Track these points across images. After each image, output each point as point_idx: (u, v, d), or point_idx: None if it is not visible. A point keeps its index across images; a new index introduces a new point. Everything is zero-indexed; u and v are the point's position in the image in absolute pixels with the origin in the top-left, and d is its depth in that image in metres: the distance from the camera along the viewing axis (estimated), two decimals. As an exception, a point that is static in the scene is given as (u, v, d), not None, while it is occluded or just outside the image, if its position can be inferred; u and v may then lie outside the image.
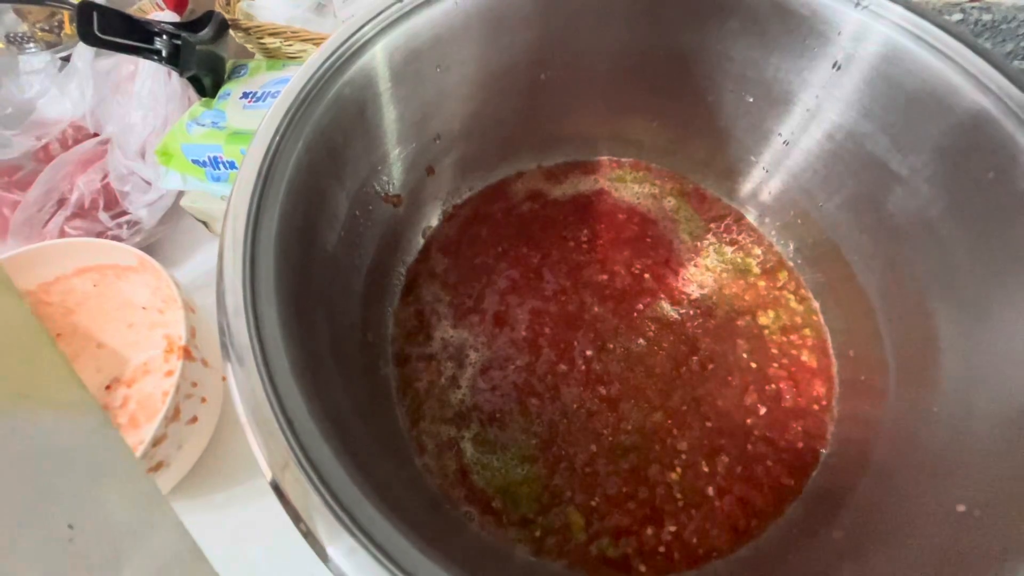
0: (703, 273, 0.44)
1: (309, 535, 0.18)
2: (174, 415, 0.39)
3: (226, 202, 0.24)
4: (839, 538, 0.29)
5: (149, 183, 0.56)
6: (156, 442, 0.38)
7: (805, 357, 0.41)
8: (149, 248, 0.57)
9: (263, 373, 0.20)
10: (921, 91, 0.30)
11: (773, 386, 0.39)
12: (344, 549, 0.18)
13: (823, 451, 0.37)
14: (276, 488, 0.19)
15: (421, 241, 0.46)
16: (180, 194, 0.56)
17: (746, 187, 0.45)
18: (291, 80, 0.27)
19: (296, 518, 0.19)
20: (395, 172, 0.38)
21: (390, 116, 0.34)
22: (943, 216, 0.31)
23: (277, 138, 0.25)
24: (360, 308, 0.37)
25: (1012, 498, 0.22)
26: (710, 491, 0.36)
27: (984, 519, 0.22)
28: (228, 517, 0.47)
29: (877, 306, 0.37)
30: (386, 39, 0.30)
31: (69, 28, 0.67)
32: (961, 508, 0.23)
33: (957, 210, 0.30)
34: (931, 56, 0.28)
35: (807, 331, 0.42)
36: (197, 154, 0.50)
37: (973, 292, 0.29)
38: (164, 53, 0.46)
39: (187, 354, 0.40)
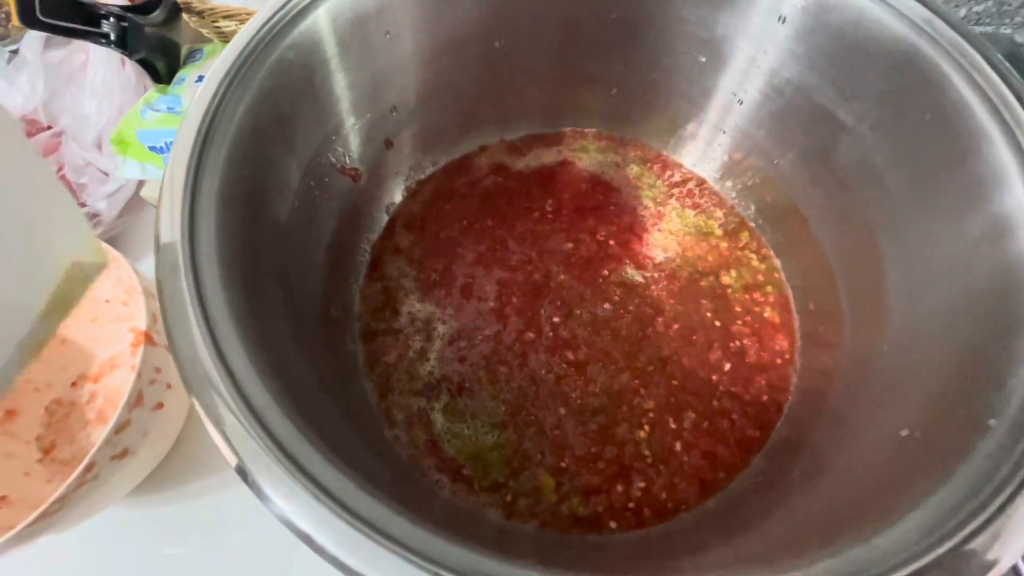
0: (667, 237, 0.45)
1: (282, 516, 0.18)
2: (136, 400, 0.38)
3: (164, 165, 0.23)
4: (796, 476, 0.29)
5: (107, 174, 0.55)
6: (119, 429, 0.37)
7: (768, 313, 0.41)
8: (111, 240, 0.56)
9: (208, 341, 0.19)
10: (860, 37, 0.30)
11: (737, 343, 0.40)
12: (316, 521, 0.18)
13: (786, 403, 0.38)
14: (240, 471, 0.18)
15: (385, 217, 0.46)
16: (141, 185, 0.55)
17: (705, 151, 0.46)
18: (232, 41, 0.27)
19: (264, 497, 0.18)
20: (351, 144, 0.38)
21: (340, 84, 0.34)
22: (887, 163, 0.31)
23: (216, 100, 0.25)
24: (322, 283, 0.37)
25: (943, 416, 0.22)
26: (678, 447, 0.37)
27: (923, 438, 0.22)
28: (204, 506, 0.46)
29: (832, 259, 0.38)
30: (329, 2, 0.30)
31: (16, 20, 0.65)
32: (904, 432, 0.23)
33: (899, 155, 0.31)
34: (867, 1, 0.29)
35: (769, 288, 0.42)
36: (153, 140, 0.49)
37: (915, 234, 0.29)
38: (112, 36, 0.45)
39: (148, 339, 0.40)
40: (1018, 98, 0.25)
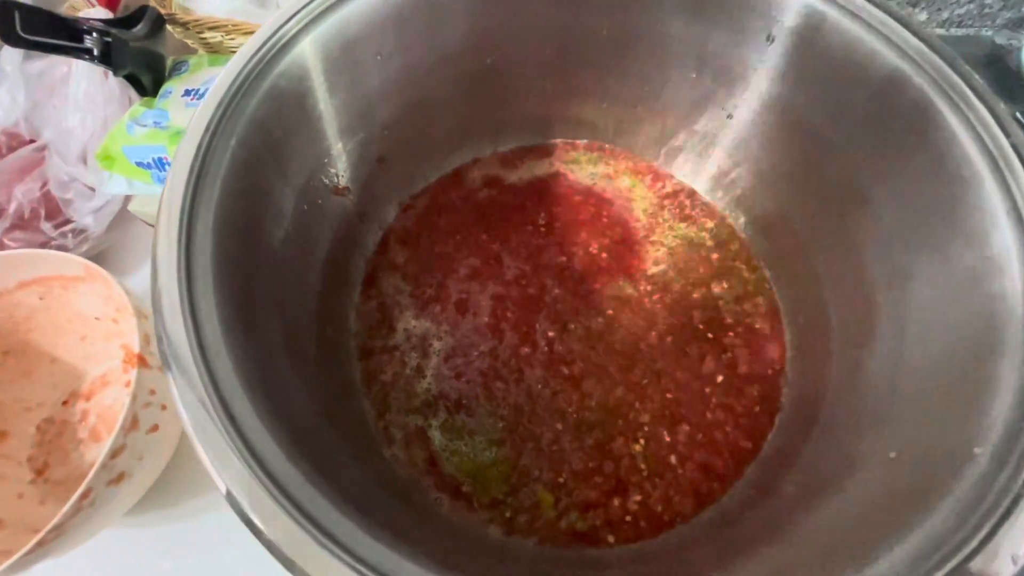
0: (658, 249, 0.45)
1: (271, 544, 0.18)
2: (132, 425, 0.38)
3: (159, 203, 0.23)
4: (791, 492, 0.30)
5: (93, 189, 0.54)
6: (114, 454, 0.37)
7: (759, 324, 0.42)
8: (99, 256, 0.56)
9: (204, 377, 0.19)
10: (847, 59, 0.30)
11: (729, 354, 0.41)
12: (309, 555, 0.18)
13: (778, 413, 0.39)
14: (231, 498, 0.18)
15: (379, 234, 0.46)
16: (128, 199, 0.55)
17: (696, 163, 0.46)
18: (221, 73, 0.26)
19: (256, 531, 0.19)
20: (343, 164, 0.37)
21: (332, 107, 0.33)
22: (874, 182, 0.32)
23: (208, 135, 0.25)
24: (317, 303, 0.37)
25: (930, 441, 0.23)
26: (672, 459, 0.37)
27: (910, 463, 0.23)
28: (201, 524, 0.46)
29: (822, 272, 0.38)
30: (319, 28, 0.29)
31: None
32: (892, 455, 0.24)
33: (885, 175, 0.31)
34: (854, 24, 0.29)
35: (760, 299, 0.43)
36: (140, 156, 0.49)
37: (904, 255, 0.30)
38: (96, 52, 0.44)
39: (142, 362, 0.39)
40: (1002, 129, 0.25)
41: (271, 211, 0.30)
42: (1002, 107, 0.25)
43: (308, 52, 0.29)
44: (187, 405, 0.19)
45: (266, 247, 0.29)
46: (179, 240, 0.22)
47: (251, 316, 0.25)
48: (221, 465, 0.18)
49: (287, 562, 0.17)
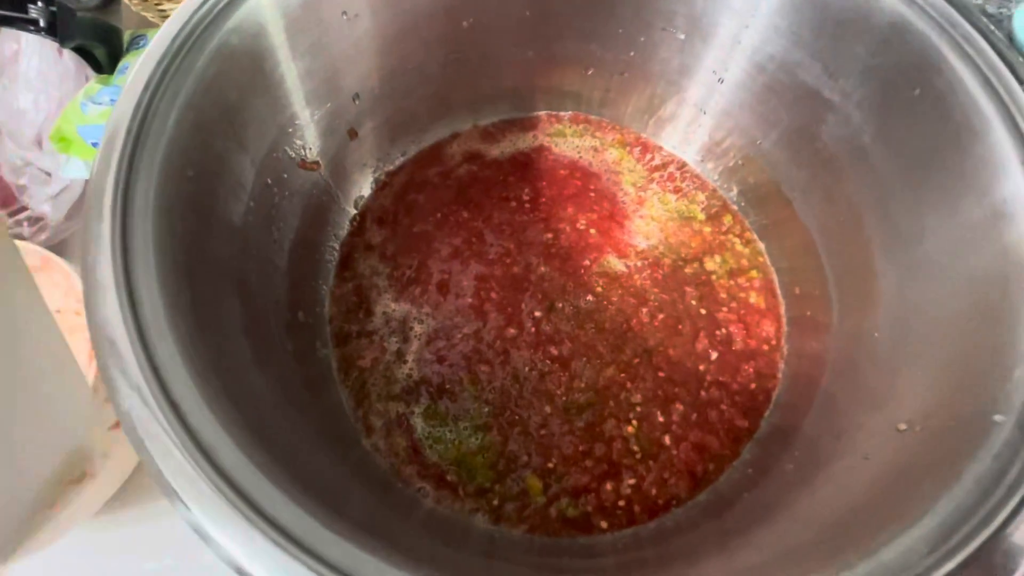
0: (648, 224, 0.43)
1: (224, 554, 0.16)
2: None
3: (91, 167, 0.20)
4: (791, 470, 0.29)
5: (49, 174, 0.51)
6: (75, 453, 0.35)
7: (753, 299, 0.40)
8: (59, 246, 0.52)
9: (141, 358, 0.17)
10: (846, 9, 0.28)
11: (723, 330, 0.39)
12: (258, 553, 0.16)
13: (775, 390, 0.37)
14: (183, 511, 0.16)
15: (353, 212, 0.43)
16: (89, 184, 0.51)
17: (686, 132, 0.44)
18: (163, 26, 0.24)
19: (205, 536, 0.17)
20: (311, 136, 0.35)
21: (294, 71, 0.31)
22: (874, 141, 0.30)
23: (148, 93, 0.22)
24: (286, 286, 0.34)
25: (944, 410, 0.22)
26: (667, 440, 0.36)
27: (923, 434, 0.22)
28: (177, 522, 0.44)
29: (818, 241, 0.37)
30: (275, -21, 0.27)
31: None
32: (902, 426, 0.23)
33: (887, 133, 0.29)
34: (854, -30, 0.27)
35: (754, 273, 0.41)
36: (97, 136, 0.45)
37: (906, 216, 0.28)
38: (42, 22, 0.41)
39: (101, 353, 0.37)
40: (1014, 74, 0.23)
41: (227, 182, 0.27)
42: (1014, 52, 0.24)
43: (264, 6, 0.27)
44: (120, 390, 0.17)
45: (223, 222, 0.27)
46: (114, 209, 0.20)
47: (203, 295, 0.22)
48: (160, 456, 0.16)
49: (231, 563, 0.15)
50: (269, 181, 0.32)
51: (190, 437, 0.17)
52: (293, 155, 0.34)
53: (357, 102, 0.38)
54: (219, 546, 0.16)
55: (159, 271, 0.20)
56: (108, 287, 0.18)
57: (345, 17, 0.32)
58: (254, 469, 0.17)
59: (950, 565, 0.16)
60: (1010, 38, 0.60)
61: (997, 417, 0.19)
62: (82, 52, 0.47)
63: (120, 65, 0.49)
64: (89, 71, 0.50)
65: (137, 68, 0.23)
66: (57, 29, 0.41)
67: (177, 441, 0.16)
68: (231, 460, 0.17)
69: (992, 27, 0.24)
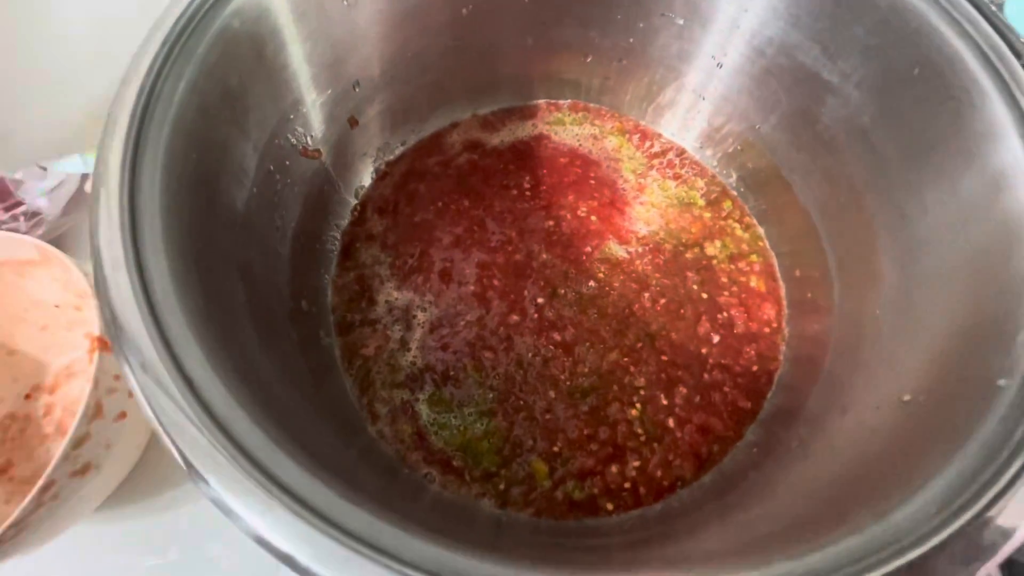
0: (649, 210, 0.43)
1: (256, 535, 0.16)
2: (96, 412, 0.36)
3: (97, 150, 0.20)
4: (796, 448, 0.29)
5: (44, 168, 0.50)
6: (78, 443, 0.34)
7: (754, 283, 0.41)
8: (56, 241, 0.52)
9: (154, 335, 0.17)
10: (846, -11, 0.29)
11: (725, 314, 0.39)
12: (296, 538, 0.16)
13: (777, 371, 0.37)
14: (191, 470, 0.16)
15: (354, 202, 0.43)
16: (85, 179, 0.51)
17: (685, 118, 0.44)
18: (164, 10, 0.24)
19: (224, 508, 0.17)
20: (312, 123, 0.35)
21: (295, 56, 0.31)
22: (874, 121, 0.31)
23: (152, 76, 0.22)
24: (290, 275, 0.34)
25: (948, 379, 0.22)
26: (671, 423, 0.36)
27: (928, 404, 0.22)
28: (181, 516, 0.44)
29: (819, 223, 0.37)
30: (276, -36, 0.27)
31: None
32: (906, 397, 0.23)
33: (887, 112, 0.30)
34: (852, -50, 0.28)
35: (754, 257, 0.42)
36: (93, 129, 0.45)
37: (905, 192, 0.29)
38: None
39: (104, 345, 0.37)
40: (1011, 48, 0.24)
41: (231, 168, 0.27)
42: (1011, 29, 0.24)
43: (264, -10, 0.27)
44: (133, 366, 0.17)
45: (226, 206, 0.27)
46: (122, 190, 0.20)
47: (210, 277, 0.22)
48: (177, 431, 0.16)
49: (282, 556, 0.15)
50: (271, 168, 0.31)
51: (205, 411, 0.17)
52: (295, 142, 0.34)
53: (357, 90, 0.38)
54: (238, 517, 0.16)
55: (167, 250, 0.20)
56: (119, 265, 0.18)
57: (346, 3, 0.32)
58: (269, 442, 0.17)
59: (958, 523, 0.16)
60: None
61: (1001, 382, 0.19)
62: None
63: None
64: (84, 64, 0.50)
65: (138, 53, 0.23)
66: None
67: (192, 415, 0.16)
68: (247, 433, 0.17)
69: (989, 4, 0.25)
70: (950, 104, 0.25)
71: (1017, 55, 0.24)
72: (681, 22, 0.38)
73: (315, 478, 0.16)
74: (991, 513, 0.16)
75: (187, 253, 0.21)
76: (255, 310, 0.26)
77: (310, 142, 0.36)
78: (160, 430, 0.16)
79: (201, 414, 0.16)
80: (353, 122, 0.39)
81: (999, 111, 0.23)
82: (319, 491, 0.16)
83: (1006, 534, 0.16)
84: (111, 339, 0.18)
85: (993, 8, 0.24)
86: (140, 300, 0.18)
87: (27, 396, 0.48)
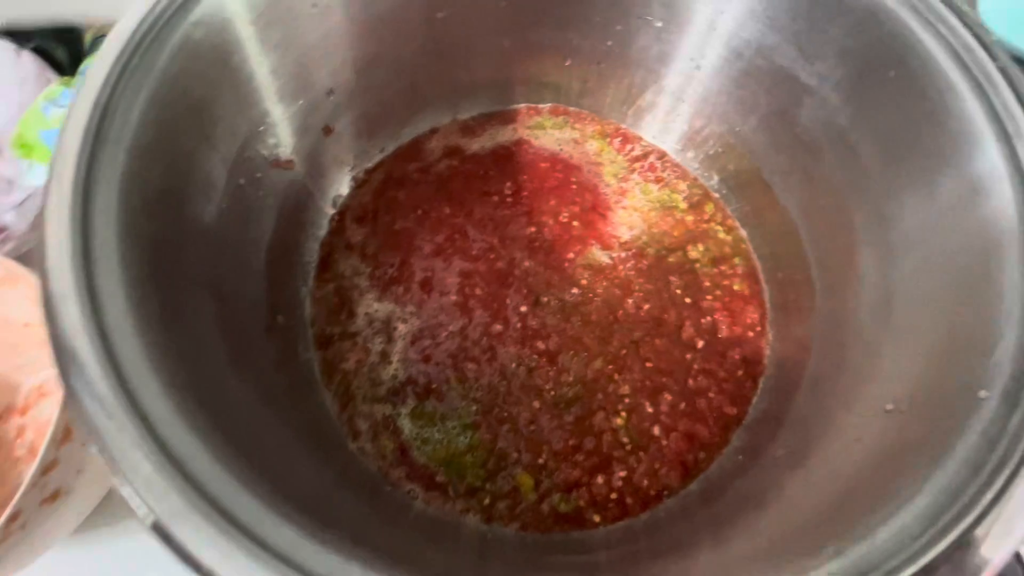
0: (631, 214, 0.43)
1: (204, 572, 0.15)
2: (65, 436, 0.34)
3: (49, 166, 0.19)
4: (782, 456, 0.29)
5: (11, 182, 0.49)
6: (46, 469, 0.33)
7: (737, 286, 0.40)
8: (24, 257, 0.50)
9: (106, 366, 0.16)
10: (821, -9, 0.29)
11: (709, 318, 0.39)
12: (236, 566, 0.15)
13: (762, 376, 0.37)
14: (157, 529, 0.15)
15: (332, 211, 0.42)
16: (53, 191, 0.50)
17: (665, 121, 0.44)
18: (121, 21, 0.23)
19: (182, 554, 0.16)
20: (283, 133, 0.34)
21: (264, 66, 0.30)
22: (852, 123, 0.30)
23: (108, 89, 0.21)
24: (265, 289, 0.34)
25: (929, 389, 0.22)
26: (656, 431, 0.36)
27: (910, 413, 0.22)
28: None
29: (800, 225, 0.37)
30: (238, -30, 0.26)
31: None
32: (889, 407, 0.23)
33: (864, 114, 0.29)
34: (827, -48, 0.27)
35: (737, 260, 0.41)
36: (59, 141, 0.44)
37: (885, 195, 0.29)
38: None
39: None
40: (986, 50, 0.24)
41: (197, 182, 0.26)
42: (986, 30, 0.24)
43: (226, -1, 0.26)
44: (83, 402, 0.16)
45: (193, 223, 0.26)
46: (73, 212, 0.19)
47: (174, 299, 0.22)
48: (130, 471, 0.15)
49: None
50: (242, 181, 0.31)
51: (161, 449, 0.16)
52: (266, 153, 0.33)
53: (331, 97, 0.37)
54: (198, 563, 0.15)
55: (124, 276, 0.19)
56: (68, 295, 0.17)
57: (315, 9, 0.31)
58: (231, 479, 0.16)
59: (942, 545, 0.16)
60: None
61: (982, 393, 0.19)
62: (41, 53, 0.45)
63: (82, 66, 0.47)
64: (50, 73, 0.48)
65: (95, 65, 0.22)
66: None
67: (148, 453, 0.16)
68: (206, 471, 0.16)
69: (963, 6, 0.25)
70: (925, 107, 0.25)
71: (992, 57, 0.23)
72: (659, 24, 0.38)
73: (280, 517, 0.16)
74: (976, 534, 0.16)
75: (148, 275, 0.20)
76: (227, 329, 0.25)
77: (283, 152, 0.35)
78: (114, 471, 0.15)
79: (157, 452, 0.16)
80: (328, 130, 0.38)
81: (975, 115, 0.23)
82: (283, 533, 0.15)
83: (993, 551, 0.16)
84: (61, 372, 0.17)
85: (967, 9, 0.24)
86: (91, 330, 0.17)
87: (-3, 418, 0.46)
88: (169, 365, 0.18)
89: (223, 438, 0.17)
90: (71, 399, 0.16)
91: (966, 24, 0.24)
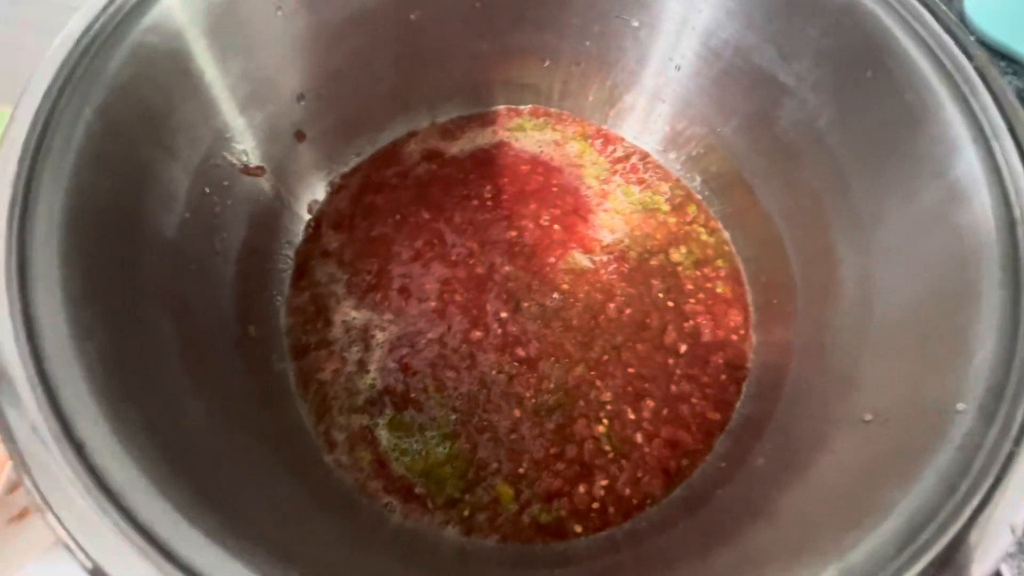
0: (613, 217, 0.42)
1: None
2: (31, 453, 0.33)
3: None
4: (762, 465, 0.28)
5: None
6: (11, 488, 0.32)
7: (720, 289, 0.40)
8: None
9: (39, 393, 0.15)
10: (798, -10, 0.28)
11: (691, 322, 0.39)
12: None
13: (745, 380, 0.37)
14: (70, 548, 0.14)
15: (308, 217, 0.41)
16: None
17: (646, 122, 0.44)
18: (66, 27, 0.22)
19: None
20: (250, 140, 0.33)
21: (226, 72, 0.29)
22: (830, 125, 0.30)
23: (50, 100, 0.20)
24: (234, 300, 0.33)
25: (907, 399, 0.21)
26: (639, 438, 0.35)
27: (887, 425, 0.21)
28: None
29: (781, 228, 0.36)
30: (192, -28, 0.25)
31: None
32: (867, 417, 0.22)
33: (843, 116, 0.29)
34: (803, -50, 0.27)
35: (720, 262, 0.41)
36: None
37: (864, 200, 0.28)
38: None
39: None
40: (963, 50, 0.23)
41: (156, 193, 0.25)
42: (963, 30, 0.23)
43: (180, 3, 0.25)
44: (14, 430, 0.15)
45: (152, 236, 0.25)
46: (9, 232, 0.18)
47: (125, 320, 0.21)
48: (59, 504, 0.14)
49: None
50: (207, 190, 0.30)
51: (95, 481, 0.15)
52: (234, 161, 0.32)
53: (303, 103, 0.36)
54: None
55: (66, 297, 0.18)
56: (1, 319, 0.16)
57: (280, 13, 0.30)
58: (171, 511, 0.15)
59: (919, 565, 0.15)
60: (961, 18, 0.61)
61: (960, 405, 0.18)
62: None
63: None
64: None
65: (38, 71, 0.21)
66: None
67: (79, 485, 0.15)
68: (145, 504, 0.15)
69: (940, 5, 0.24)
70: (903, 109, 0.25)
71: (969, 56, 0.23)
72: (636, 24, 0.37)
73: (232, 555, 0.15)
74: (956, 553, 0.15)
75: (96, 295, 0.19)
76: (188, 349, 0.24)
77: (251, 159, 0.34)
78: (38, 500, 0.15)
79: (90, 483, 0.15)
80: (301, 135, 0.38)
81: (953, 117, 0.23)
82: (227, 566, 0.15)
83: None
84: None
85: (947, 11, 0.24)
86: (25, 356, 0.16)
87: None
88: (114, 390, 0.17)
89: (172, 467, 0.17)
90: (3, 427, 0.15)
91: (943, 23, 0.24)
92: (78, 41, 0.21)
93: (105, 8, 0.22)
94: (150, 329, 0.22)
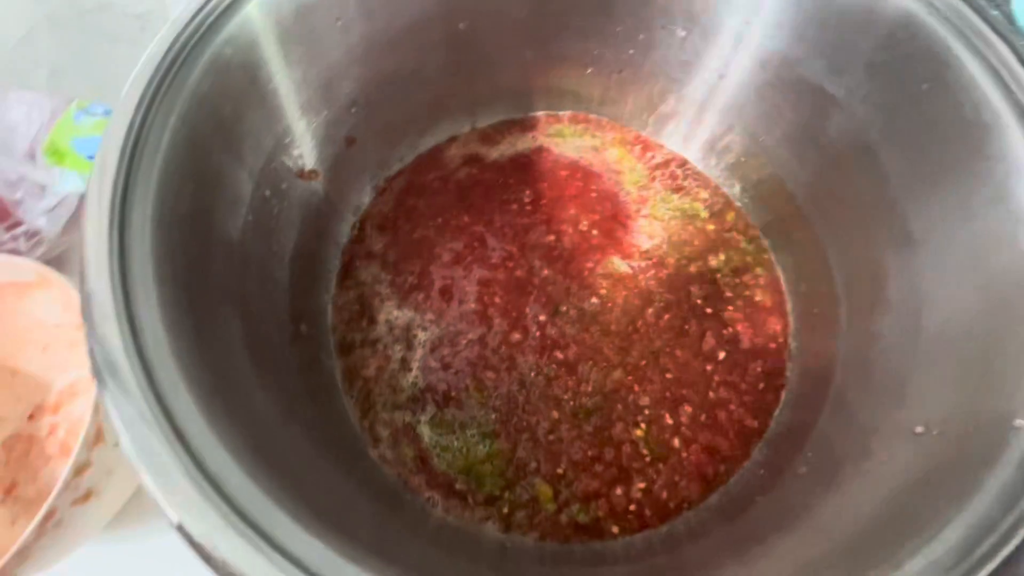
0: (651, 223, 0.43)
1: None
2: (96, 438, 0.35)
3: (86, 193, 0.20)
4: (804, 474, 0.28)
5: (44, 187, 0.50)
6: (79, 471, 0.34)
7: (759, 297, 0.40)
8: (55, 260, 0.52)
9: (144, 387, 0.17)
10: (850, 5, 0.28)
11: (730, 329, 0.39)
12: None
13: (784, 389, 0.37)
14: (182, 531, 0.16)
15: (353, 220, 0.43)
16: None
17: (687, 130, 0.44)
18: (154, 41, 0.23)
19: (209, 561, 0.16)
20: (307, 145, 0.34)
21: (289, 81, 0.30)
22: (881, 138, 0.30)
23: (141, 112, 0.22)
24: (288, 299, 0.34)
25: (963, 414, 0.21)
26: (676, 443, 0.36)
27: (942, 439, 0.21)
28: (185, 536, 0.43)
29: (824, 238, 0.36)
30: (267, -11, 0.26)
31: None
32: (919, 429, 0.22)
33: (894, 129, 0.29)
34: (858, -36, 0.27)
35: (759, 270, 0.41)
36: (91, 148, 0.45)
37: (914, 213, 0.28)
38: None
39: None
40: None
41: (225, 197, 0.27)
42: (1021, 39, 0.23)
43: (255, 17, 0.26)
44: (124, 421, 0.17)
45: (221, 238, 0.26)
46: (111, 234, 0.19)
47: (204, 316, 0.22)
48: (168, 488, 0.16)
49: None
50: (267, 193, 0.31)
51: (197, 466, 0.16)
52: (291, 165, 0.34)
53: (354, 109, 0.37)
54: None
55: (160, 294, 0.19)
56: (108, 315, 0.18)
57: (339, 24, 0.32)
58: (263, 496, 0.16)
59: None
60: (1010, 21, 0.59)
61: (1017, 422, 0.18)
62: (73, 63, 0.46)
63: (112, 75, 0.48)
64: (81, 82, 0.49)
65: (129, 85, 0.22)
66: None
67: (184, 471, 0.16)
68: (240, 488, 0.16)
69: (1002, 19, 0.24)
70: (961, 124, 0.25)
71: (1031, 73, 0.23)
72: (683, 34, 0.38)
73: (310, 533, 0.16)
74: (1018, 569, 0.16)
75: (181, 293, 0.21)
76: (253, 344, 0.26)
77: (307, 164, 0.35)
78: (154, 491, 0.16)
79: (193, 469, 0.16)
80: (350, 141, 0.39)
81: (1015, 138, 0.22)
82: (315, 549, 0.16)
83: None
84: (100, 390, 0.17)
85: (1009, 26, 0.24)
86: (130, 349, 0.17)
87: (30, 416, 0.48)
88: (202, 380, 0.19)
89: (253, 451, 0.18)
90: (109, 413, 0.17)
91: (1004, 38, 0.24)
92: (165, 54, 0.23)
93: (188, 23, 0.24)
94: (222, 328, 0.24)
